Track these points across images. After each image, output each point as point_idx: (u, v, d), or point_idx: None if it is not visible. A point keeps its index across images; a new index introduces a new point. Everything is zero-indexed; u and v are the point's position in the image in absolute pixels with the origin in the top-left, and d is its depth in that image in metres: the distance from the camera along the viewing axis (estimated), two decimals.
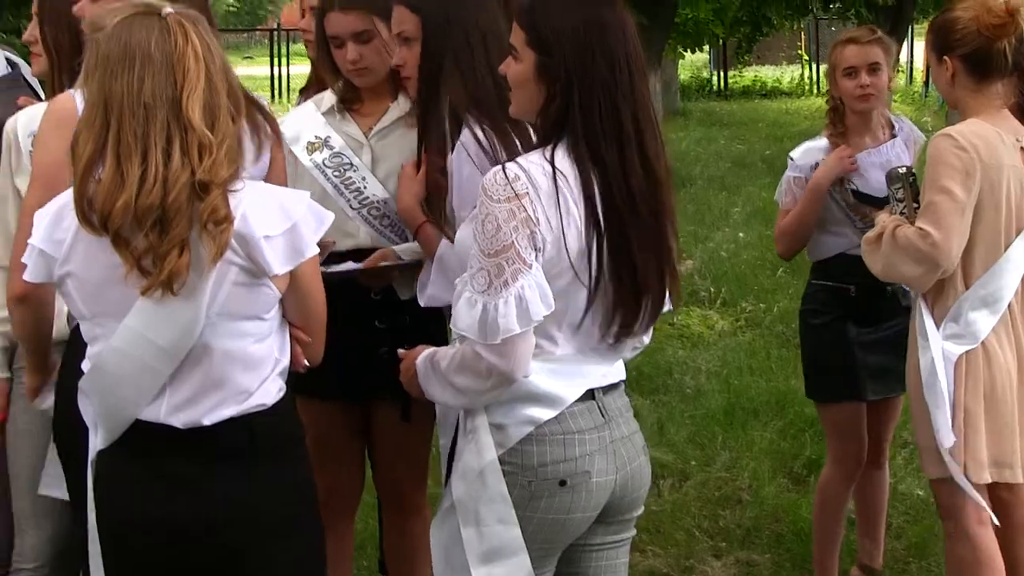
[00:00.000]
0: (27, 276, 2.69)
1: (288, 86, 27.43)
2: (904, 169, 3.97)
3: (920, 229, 3.65)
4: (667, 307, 2.95)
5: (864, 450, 4.63)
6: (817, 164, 4.48)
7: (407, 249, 3.64)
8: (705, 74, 33.07)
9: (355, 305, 3.74)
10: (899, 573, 5.05)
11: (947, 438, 3.72)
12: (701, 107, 26.86)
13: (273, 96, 27.39)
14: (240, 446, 2.75)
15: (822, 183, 4.43)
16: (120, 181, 2.49)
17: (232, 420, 2.71)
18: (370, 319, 3.85)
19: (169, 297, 2.55)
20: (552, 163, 2.70)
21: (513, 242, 2.62)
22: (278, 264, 2.65)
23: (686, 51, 22.62)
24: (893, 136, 4.59)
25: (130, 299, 2.58)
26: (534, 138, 2.99)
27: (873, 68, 4.43)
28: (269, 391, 2.77)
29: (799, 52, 32.40)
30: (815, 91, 29.04)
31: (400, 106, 3.85)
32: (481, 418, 2.82)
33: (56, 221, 2.63)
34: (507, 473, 2.79)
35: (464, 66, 3.28)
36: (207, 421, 2.70)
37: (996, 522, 3.84)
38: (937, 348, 3.77)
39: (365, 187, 3.80)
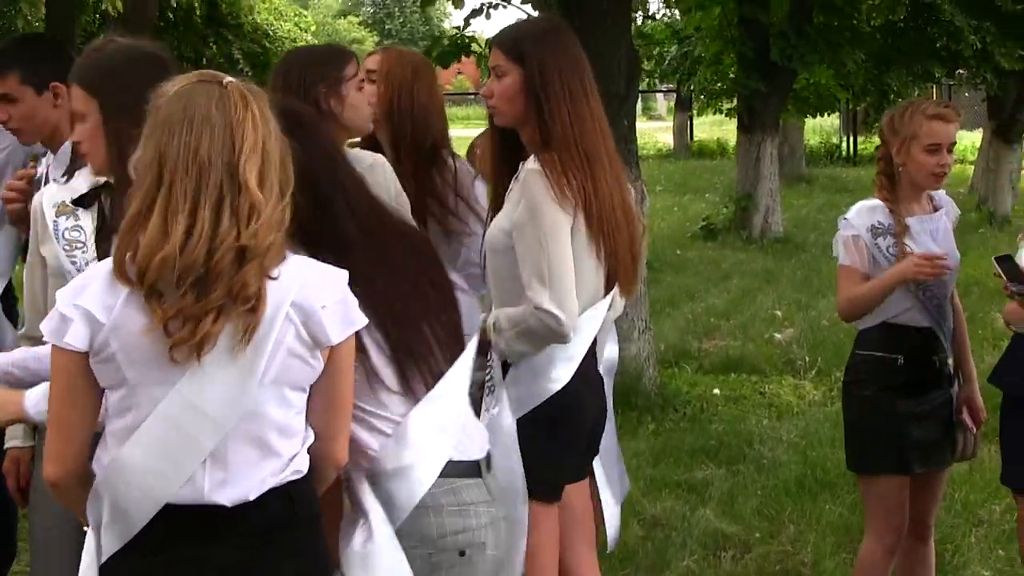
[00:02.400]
0: (68, 338, 2.54)
1: None
2: None
3: None
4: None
5: (905, 525, 4.51)
6: (874, 225, 4.40)
7: None
8: (835, 140, 32.79)
9: None
10: None
11: None
12: (828, 173, 26.64)
13: None
14: (282, 520, 2.68)
15: (894, 283, 4.34)
16: (164, 235, 2.48)
17: (273, 490, 2.65)
18: None
19: (225, 363, 2.54)
20: None
21: None
22: (336, 332, 2.65)
23: (805, 117, 22.43)
24: (935, 207, 4.53)
25: (180, 366, 2.54)
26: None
27: (951, 147, 4.39)
28: (304, 460, 2.73)
29: None
30: None
31: None
32: (370, 497, 2.88)
33: (109, 286, 2.56)
34: (407, 547, 2.83)
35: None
36: (253, 496, 2.62)
37: None
38: None
39: None
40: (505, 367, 3.63)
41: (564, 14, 8.82)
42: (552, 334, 3.49)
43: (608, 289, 3.69)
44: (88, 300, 2.54)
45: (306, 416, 2.72)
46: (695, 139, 34.37)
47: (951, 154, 4.38)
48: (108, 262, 2.58)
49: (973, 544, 5.81)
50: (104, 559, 2.65)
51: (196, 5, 24.28)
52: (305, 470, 2.72)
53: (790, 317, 11.26)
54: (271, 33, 27.63)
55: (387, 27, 68.04)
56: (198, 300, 2.48)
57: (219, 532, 2.61)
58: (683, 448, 7.37)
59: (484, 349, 3.60)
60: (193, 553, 2.60)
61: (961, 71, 19.46)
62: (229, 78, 2.62)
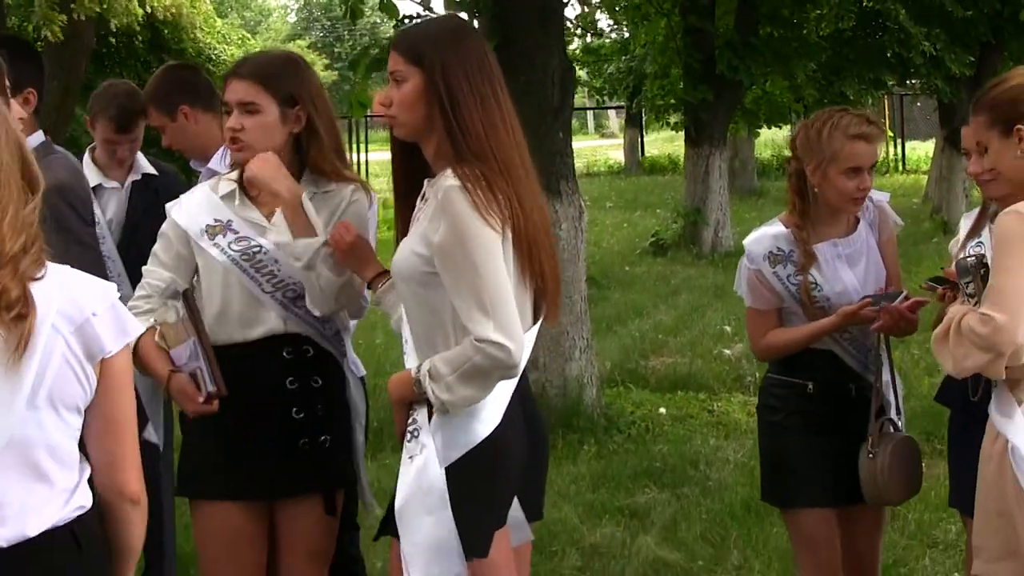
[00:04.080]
0: None
1: (367, 171, 27.70)
2: (973, 259, 3.54)
3: (983, 314, 3.22)
4: None
5: (837, 560, 4.15)
6: (772, 252, 4.06)
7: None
8: (787, 153, 32.72)
9: (269, 396, 3.68)
10: None
11: None
12: (780, 186, 26.46)
13: None
14: (67, 562, 2.42)
15: (825, 330, 4.00)
16: None
17: (55, 529, 2.40)
18: (287, 409, 3.72)
19: (13, 373, 2.30)
20: None
21: None
22: (110, 341, 2.45)
23: (756, 129, 22.31)
24: (856, 222, 4.14)
25: None
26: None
27: (872, 167, 4.01)
28: (86, 493, 2.49)
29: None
30: (900, 168, 28.62)
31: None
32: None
33: None
34: None
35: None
36: (31, 533, 2.36)
37: None
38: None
39: (279, 270, 3.67)
40: (429, 412, 3.22)
41: (495, 24, 8.58)
42: (502, 368, 3.08)
43: (536, 315, 3.34)
44: None
45: (86, 444, 2.52)
46: (646, 155, 34.25)
47: (871, 174, 4.01)
48: None
49: (928, 567, 5.54)
50: None
51: (137, 31, 23.97)
52: (89, 504, 2.49)
53: (740, 332, 10.93)
54: (214, 58, 27.27)
55: (336, 51, 67.73)
56: None
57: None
58: (625, 472, 7.06)
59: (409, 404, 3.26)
60: None
61: (913, 80, 19.36)
62: None
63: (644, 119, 29.10)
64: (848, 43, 18.51)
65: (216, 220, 3.70)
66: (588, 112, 53.13)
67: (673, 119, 20.95)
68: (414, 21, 9.39)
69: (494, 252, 3.10)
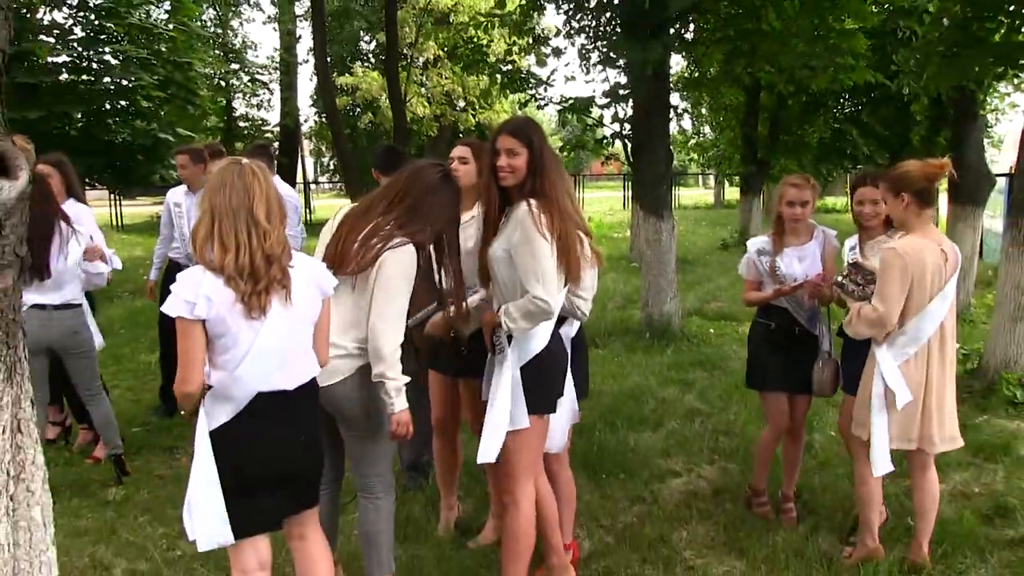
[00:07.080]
0: (197, 311, 3.75)
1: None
2: (851, 263, 5.29)
3: (873, 307, 4.98)
4: None
5: (784, 422, 6.04)
6: (760, 249, 5.90)
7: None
8: None
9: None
10: (807, 497, 6.37)
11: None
12: None
13: None
14: (311, 398, 4.04)
15: (769, 297, 5.82)
16: (223, 251, 3.72)
17: (309, 383, 4.03)
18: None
19: (282, 313, 3.84)
20: None
21: None
22: (331, 288, 4.03)
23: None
24: (811, 239, 5.82)
25: (255, 319, 3.82)
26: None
27: (803, 203, 5.73)
28: (316, 362, 4.09)
29: None
30: None
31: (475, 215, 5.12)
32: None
33: (210, 279, 3.79)
34: None
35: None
36: (293, 385, 3.95)
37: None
38: (886, 366, 5.08)
39: None
40: (509, 337, 4.58)
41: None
42: (544, 314, 4.44)
43: (564, 283, 4.64)
44: (205, 289, 3.77)
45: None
46: None
47: (804, 208, 5.77)
48: (200, 267, 3.85)
49: (821, 421, 7.93)
50: (215, 427, 3.91)
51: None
52: (318, 370, 4.10)
53: None
54: None
55: None
56: (255, 284, 3.77)
57: (282, 404, 3.97)
58: None
59: (495, 328, 4.60)
60: (279, 416, 3.98)
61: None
62: (245, 160, 3.90)
63: None
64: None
65: None
66: None
67: None
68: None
69: (545, 250, 4.45)
